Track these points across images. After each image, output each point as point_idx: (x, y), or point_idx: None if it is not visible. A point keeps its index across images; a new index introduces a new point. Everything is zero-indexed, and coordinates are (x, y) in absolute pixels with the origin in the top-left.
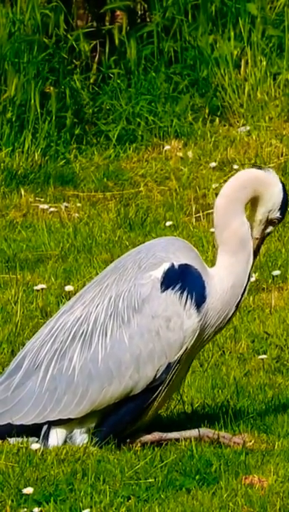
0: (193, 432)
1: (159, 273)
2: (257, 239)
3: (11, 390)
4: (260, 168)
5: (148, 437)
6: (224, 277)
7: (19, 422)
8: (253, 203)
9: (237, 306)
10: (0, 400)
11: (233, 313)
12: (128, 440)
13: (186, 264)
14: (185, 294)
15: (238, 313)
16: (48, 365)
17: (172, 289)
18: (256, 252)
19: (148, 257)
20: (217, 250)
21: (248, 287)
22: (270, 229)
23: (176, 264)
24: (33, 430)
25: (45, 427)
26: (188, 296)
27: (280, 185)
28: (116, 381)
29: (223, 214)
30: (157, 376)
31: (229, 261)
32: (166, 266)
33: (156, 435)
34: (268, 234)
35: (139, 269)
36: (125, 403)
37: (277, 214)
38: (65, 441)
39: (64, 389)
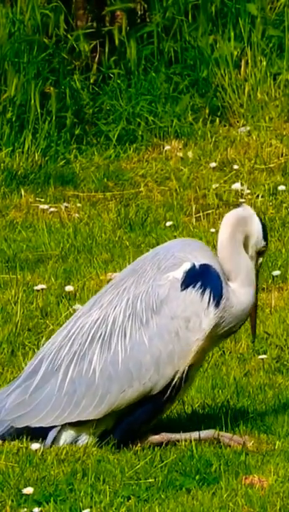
0: (207, 433)
1: (178, 273)
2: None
3: (28, 393)
4: (237, 205)
5: (156, 438)
6: (236, 290)
7: (37, 425)
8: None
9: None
10: (18, 403)
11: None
12: (136, 441)
13: (205, 264)
14: (204, 293)
15: None
16: (67, 367)
17: (191, 289)
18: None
19: (167, 257)
20: None
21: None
22: (260, 260)
23: (196, 264)
24: (46, 432)
25: (58, 428)
26: (207, 296)
27: (255, 215)
28: (136, 383)
29: (230, 259)
30: (176, 377)
31: (239, 290)
32: (186, 266)
33: (164, 436)
34: (260, 265)
35: (159, 270)
36: (142, 403)
37: (262, 243)
38: (75, 442)
39: (84, 391)
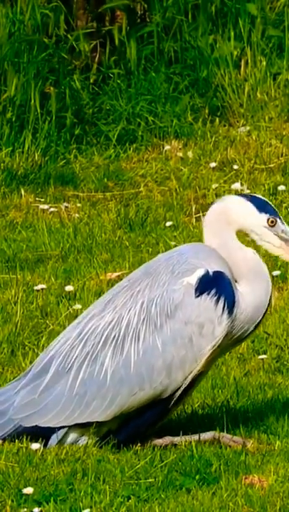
0: (207, 435)
1: (193, 279)
2: (284, 240)
3: (38, 393)
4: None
5: (159, 441)
6: (250, 298)
7: (46, 425)
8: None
9: (256, 327)
10: (27, 402)
11: (250, 332)
12: (139, 444)
13: (218, 271)
14: (218, 300)
15: None
16: (78, 368)
17: (206, 295)
18: None
19: (180, 263)
20: None
21: (266, 311)
22: (281, 228)
23: (210, 271)
24: (53, 432)
25: (65, 428)
26: (221, 303)
27: (233, 198)
28: (147, 386)
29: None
30: (186, 382)
31: (246, 290)
32: (200, 272)
33: (167, 439)
34: (288, 234)
35: (172, 275)
36: (150, 406)
37: (262, 217)
38: (79, 441)
39: (94, 393)
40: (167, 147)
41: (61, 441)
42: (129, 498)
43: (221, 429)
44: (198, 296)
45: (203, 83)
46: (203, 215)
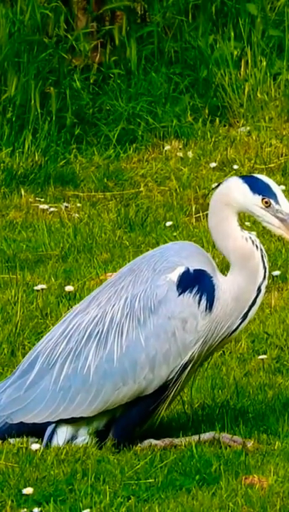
0: (207, 436)
1: (174, 276)
2: (281, 220)
3: (23, 389)
4: (218, 185)
5: (159, 443)
6: (227, 290)
7: (32, 421)
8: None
9: (244, 318)
10: (13, 398)
11: (238, 325)
12: (137, 445)
13: (199, 269)
14: (201, 296)
15: None
16: (62, 364)
17: (189, 291)
18: None
19: (162, 260)
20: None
21: (257, 302)
22: (276, 208)
23: (190, 269)
24: (41, 429)
25: (52, 426)
26: (204, 299)
27: (235, 178)
28: (130, 381)
29: (220, 246)
30: (170, 377)
31: (236, 274)
32: (180, 269)
33: (166, 441)
34: (284, 214)
35: (154, 272)
36: (136, 403)
37: (255, 198)
38: (70, 440)
39: (78, 388)
40: (167, 147)
41: (52, 440)
42: (129, 498)
43: (221, 429)
44: (181, 292)
45: (203, 83)
46: (204, 215)
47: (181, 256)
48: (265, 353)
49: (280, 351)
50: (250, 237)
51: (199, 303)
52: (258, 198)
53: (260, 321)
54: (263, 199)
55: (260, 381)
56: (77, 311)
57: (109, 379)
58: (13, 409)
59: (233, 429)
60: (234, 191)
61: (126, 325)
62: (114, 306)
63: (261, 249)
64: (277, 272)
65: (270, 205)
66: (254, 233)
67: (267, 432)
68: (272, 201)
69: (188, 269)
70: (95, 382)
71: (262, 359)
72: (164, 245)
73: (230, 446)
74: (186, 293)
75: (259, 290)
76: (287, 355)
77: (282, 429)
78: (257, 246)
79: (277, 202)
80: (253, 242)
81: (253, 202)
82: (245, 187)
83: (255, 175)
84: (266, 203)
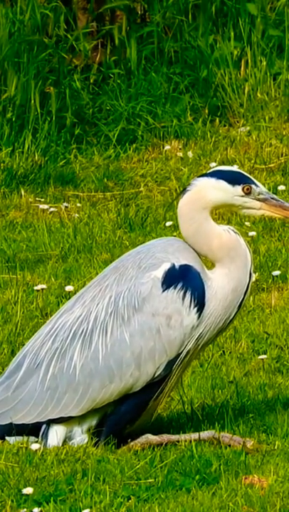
0: (207, 434)
1: (159, 273)
2: (263, 201)
3: (11, 390)
4: (181, 193)
5: (156, 439)
6: (225, 284)
7: (20, 422)
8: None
9: (239, 307)
10: (1, 399)
11: (235, 315)
12: (133, 441)
13: (185, 265)
14: (185, 292)
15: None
16: (48, 364)
17: (173, 288)
18: (282, 205)
19: (147, 257)
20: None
21: (250, 287)
22: (257, 190)
23: (176, 265)
24: (33, 429)
25: (44, 426)
26: (188, 295)
27: (203, 179)
28: (117, 379)
29: (198, 246)
30: (157, 373)
31: (228, 267)
32: (166, 266)
33: (164, 437)
34: (264, 193)
35: (139, 269)
36: (125, 401)
37: (235, 189)
38: (64, 440)
39: (65, 387)
40: (167, 147)
41: (44, 441)
42: (129, 498)
43: (221, 429)
44: (165, 289)
45: (203, 83)
46: None
47: (168, 252)
48: (265, 353)
49: (280, 351)
50: (228, 228)
51: (184, 299)
52: (239, 188)
53: (260, 321)
54: (243, 187)
55: (260, 381)
56: (63, 310)
57: (96, 378)
58: (1, 410)
59: (233, 429)
60: (209, 191)
61: (110, 323)
62: (98, 304)
63: (240, 234)
64: (277, 272)
65: (250, 191)
66: (254, 233)
67: (267, 432)
68: (252, 186)
69: (173, 265)
70: (82, 382)
71: (262, 359)
72: (150, 241)
73: (230, 445)
74: (170, 289)
75: (250, 274)
76: (287, 355)
77: (282, 429)
78: (236, 232)
79: (256, 185)
80: (232, 231)
81: (234, 194)
82: (222, 182)
83: (218, 168)
84: (247, 189)
